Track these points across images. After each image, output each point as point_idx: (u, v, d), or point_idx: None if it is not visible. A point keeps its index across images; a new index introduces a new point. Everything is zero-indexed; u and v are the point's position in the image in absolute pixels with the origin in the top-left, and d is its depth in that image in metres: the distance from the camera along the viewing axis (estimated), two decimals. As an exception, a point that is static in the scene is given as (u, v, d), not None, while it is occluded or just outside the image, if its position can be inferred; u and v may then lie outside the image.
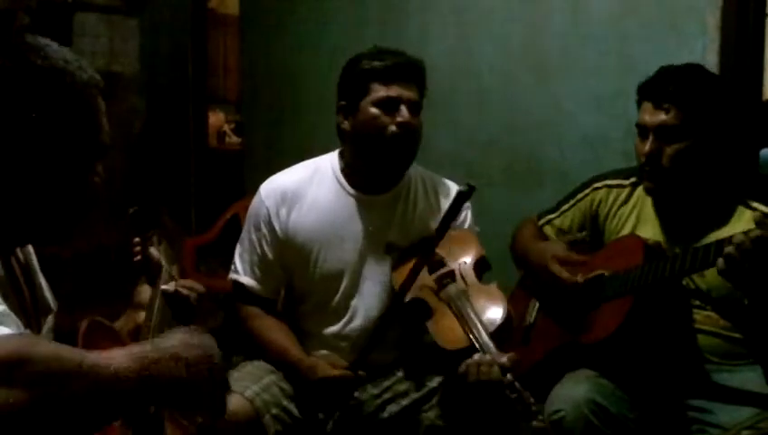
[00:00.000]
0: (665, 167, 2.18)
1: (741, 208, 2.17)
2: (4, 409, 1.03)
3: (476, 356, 1.95)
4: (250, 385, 2.10)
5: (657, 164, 2.19)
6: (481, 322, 2.03)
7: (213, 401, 1.26)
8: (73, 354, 1.12)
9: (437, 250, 2.20)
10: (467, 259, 2.22)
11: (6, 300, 1.24)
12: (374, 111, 2.18)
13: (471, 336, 2.00)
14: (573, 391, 2.12)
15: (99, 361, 1.13)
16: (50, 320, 1.52)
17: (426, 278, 2.18)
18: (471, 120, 3.34)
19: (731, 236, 1.90)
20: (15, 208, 1.34)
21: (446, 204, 2.32)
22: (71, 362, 1.10)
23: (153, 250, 1.82)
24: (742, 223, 2.10)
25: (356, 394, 2.18)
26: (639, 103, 2.25)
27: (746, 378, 2.13)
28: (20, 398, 1.04)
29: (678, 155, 2.16)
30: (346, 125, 2.24)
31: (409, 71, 2.22)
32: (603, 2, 3.03)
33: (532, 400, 1.87)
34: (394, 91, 2.18)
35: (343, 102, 2.25)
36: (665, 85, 2.18)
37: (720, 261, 1.89)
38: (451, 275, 2.18)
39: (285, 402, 2.13)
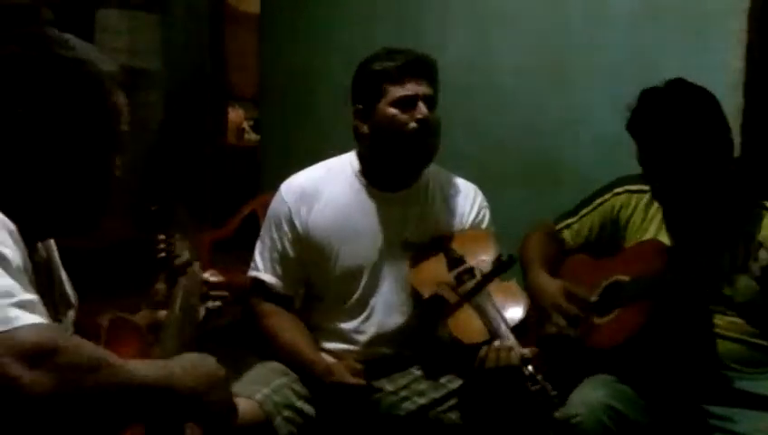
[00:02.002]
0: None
1: (764, 213, 2.16)
2: (29, 391, 1.07)
3: (497, 343, 1.95)
4: (260, 388, 2.10)
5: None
6: (501, 316, 2.04)
7: (222, 415, 1.33)
8: (99, 352, 1.16)
9: (456, 248, 2.21)
10: (486, 257, 2.22)
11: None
12: (392, 111, 2.19)
13: (491, 329, 2.00)
14: (591, 396, 2.11)
15: (122, 363, 1.17)
16: (71, 314, 1.53)
17: (445, 275, 2.19)
18: (487, 120, 3.33)
19: (759, 243, 1.89)
20: (37, 200, 1.35)
21: (462, 203, 2.34)
22: (96, 358, 1.14)
23: (179, 248, 1.82)
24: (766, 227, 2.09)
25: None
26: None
27: (769, 385, 2.12)
28: (46, 384, 1.07)
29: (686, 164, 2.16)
30: (365, 129, 2.25)
31: (421, 67, 2.24)
32: (623, 3, 3.02)
33: (554, 392, 1.88)
34: (409, 89, 2.19)
35: (359, 106, 2.26)
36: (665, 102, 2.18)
37: (755, 267, 1.88)
38: (470, 272, 2.19)
39: (299, 404, 2.14)
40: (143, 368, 1.20)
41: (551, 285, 2.29)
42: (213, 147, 4.73)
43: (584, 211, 2.45)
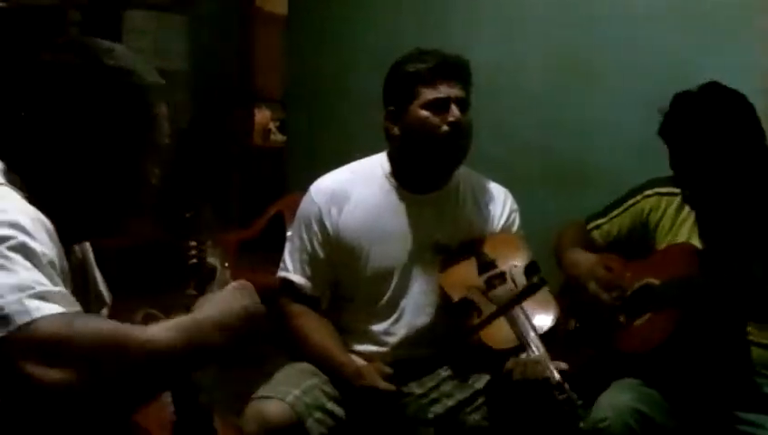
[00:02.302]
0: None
1: None
2: (54, 388, 1.07)
3: (523, 355, 1.95)
4: (291, 390, 2.10)
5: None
6: (531, 323, 2.03)
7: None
8: (116, 328, 1.16)
9: (487, 252, 2.20)
10: (517, 262, 2.21)
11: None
12: (424, 113, 2.18)
13: (520, 336, 1.99)
14: (618, 400, 2.09)
15: (141, 334, 1.16)
16: (104, 313, 1.54)
17: (475, 279, 2.18)
18: (514, 121, 3.31)
19: None
20: (77, 204, 1.37)
21: (493, 206, 2.33)
22: (113, 337, 1.13)
23: (210, 255, 1.82)
24: None
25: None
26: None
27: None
28: (67, 377, 1.07)
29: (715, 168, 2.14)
30: (396, 130, 2.24)
31: (454, 69, 2.22)
32: (651, 3, 2.99)
33: (579, 402, 1.87)
34: (442, 91, 2.18)
35: (392, 108, 2.25)
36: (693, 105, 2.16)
37: None
38: (501, 277, 2.17)
39: (329, 405, 2.13)
40: (167, 335, 1.18)
41: (589, 258, 2.30)
42: (239, 148, 4.75)
43: (614, 213, 2.43)
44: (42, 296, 1.12)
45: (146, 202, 1.45)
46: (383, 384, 2.09)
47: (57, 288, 1.16)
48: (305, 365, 2.21)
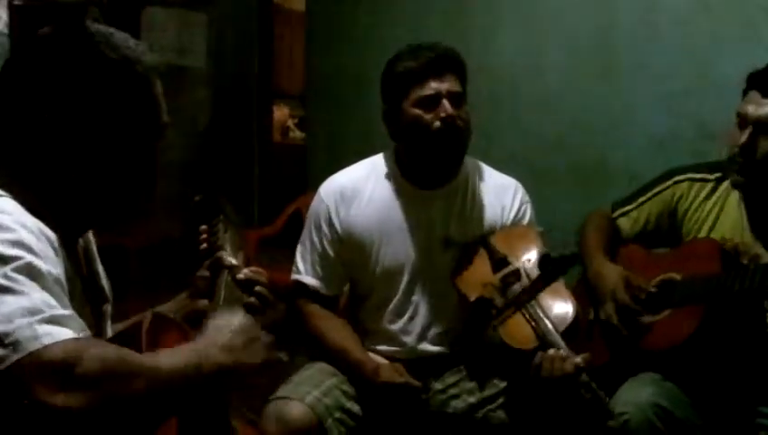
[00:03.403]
0: (757, 161, 2.10)
1: None
2: (65, 411, 1.07)
3: (551, 351, 1.93)
4: (311, 390, 2.10)
5: (750, 157, 2.11)
6: (550, 320, 2.01)
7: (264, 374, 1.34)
8: (124, 355, 1.16)
9: (500, 248, 2.18)
10: (531, 257, 2.19)
11: (73, 292, 1.26)
12: (416, 111, 2.16)
13: (540, 335, 1.98)
14: (638, 395, 2.08)
15: (151, 360, 1.18)
16: (108, 309, 1.53)
17: (490, 277, 2.16)
18: (537, 119, 3.30)
19: None
20: (82, 192, 1.36)
21: (503, 198, 2.31)
22: (121, 364, 1.14)
23: (222, 240, 1.81)
24: None
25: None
26: (746, 92, 2.17)
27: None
28: (78, 401, 1.08)
29: None
30: (393, 129, 2.24)
31: (445, 63, 2.20)
32: (674, 1, 2.97)
33: (607, 399, 1.85)
34: (431, 87, 2.16)
35: (386, 107, 2.25)
36: None
37: None
38: (516, 275, 2.15)
39: (348, 404, 2.13)
40: (173, 361, 1.20)
41: (612, 273, 2.24)
42: (259, 144, 4.75)
43: (642, 199, 2.38)
44: (52, 320, 1.12)
45: (153, 182, 1.43)
46: (401, 378, 2.09)
47: (67, 311, 1.16)
48: (324, 365, 2.21)
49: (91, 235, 1.53)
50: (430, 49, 2.20)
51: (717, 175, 2.26)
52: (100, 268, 1.56)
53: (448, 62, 2.21)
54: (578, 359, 1.89)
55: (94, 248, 1.54)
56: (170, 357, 1.21)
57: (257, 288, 1.71)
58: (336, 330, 2.24)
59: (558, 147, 3.24)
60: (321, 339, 2.23)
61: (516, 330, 2.04)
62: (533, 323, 2.01)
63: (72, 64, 1.33)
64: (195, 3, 4.53)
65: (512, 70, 3.27)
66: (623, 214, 2.40)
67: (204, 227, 1.82)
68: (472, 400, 2.18)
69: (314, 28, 4.20)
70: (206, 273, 1.73)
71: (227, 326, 1.33)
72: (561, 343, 1.95)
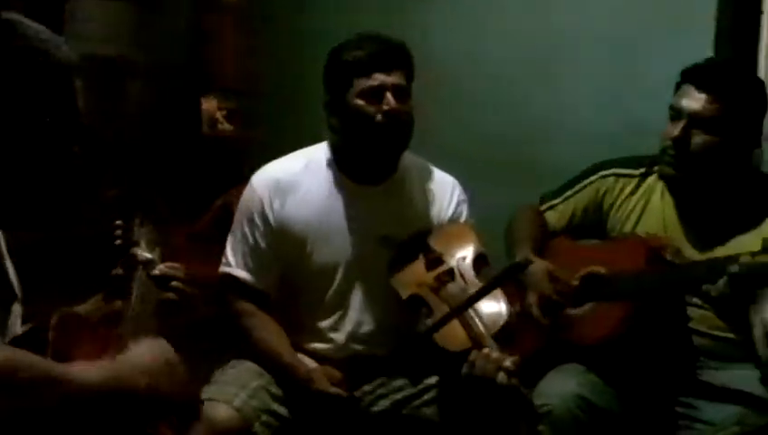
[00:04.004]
0: (690, 155, 2.13)
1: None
2: None
3: (486, 350, 1.93)
4: (238, 392, 2.07)
5: (682, 151, 2.14)
6: (483, 323, 2.01)
7: (182, 407, 1.33)
8: (40, 366, 1.16)
9: (435, 247, 2.18)
10: (466, 255, 2.19)
11: None
12: (359, 102, 2.16)
13: (473, 337, 1.98)
14: (561, 386, 2.11)
15: (65, 373, 1.17)
16: (17, 308, 1.49)
17: (424, 275, 2.16)
18: (474, 115, 3.32)
19: (737, 255, 1.88)
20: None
21: (440, 196, 2.31)
22: (36, 373, 1.13)
23: (137, 235, 1.76)
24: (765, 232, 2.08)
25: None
26: (679, 86, 2.20)
27: (735, 377, 2.13)
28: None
29: (707, 147, 2.12)
30: (334, 121, 2.21)
31: (391, 57, 2.20)
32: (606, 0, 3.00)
33: (535, 403, 1.87)
34: (376, 79, 2.16)
35: (329, 97, 2.22)
36: (712, 74, 2.13)
37: (722, 282, 1.86)
38: (450, 274, 2.16)
39: (275, 406, 2.11)
40: (87, 375, 1.19)
41: (536, 265, 2.27)
42: (188, 137, 4.68)
43: (569, 193, 2.42)
44: None
45: (70, 185, 1.39)
46: (333, 389, 2.07)
47: None
48: (250, 364, 2.18)
49: None
50: (378, 41, 2.20)
51: (642, 170, 2.31)
52: (10, 266, 1.51)
53: (396, 56, 2.20)
54: (508, 362, 1.89)
55: (2, 246, 1.49)
56: (89, 372, 1.20)
57: (173, 283, 1.68)
58: (267, 331, 2.21)
59: (495, 143, 3.26)
60: (252, 340, 2.20)
61: (449, 332, 2.05)
62: (466, 325, 2.01)
63: None
64: (122, -8, 4.44)
65: (450, 67, 3.28)
66: (550, 207, 2.44)
67: (119, 222, 1.77)
68: (397, 397, 2.17)
69: (251, 20, 4.15)
70: (121, 271, 1.69)
71: (151, 351, 1.32)
72: (494, 344, 1.95)
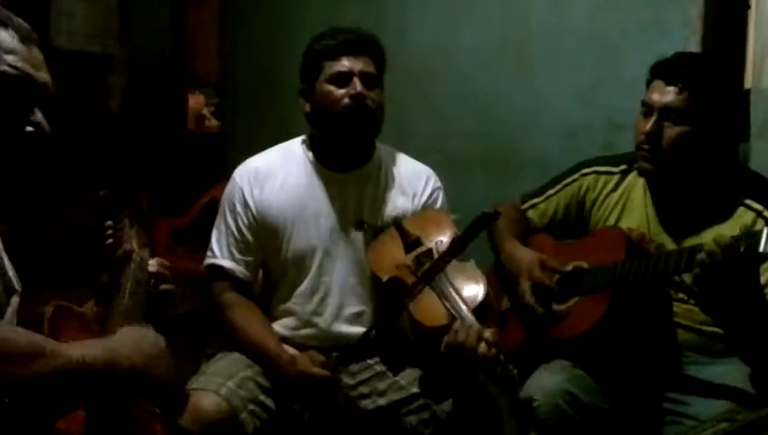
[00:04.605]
0: (664, 149, 2.15)
1: (742, 209, 2.15)
2: None
3: (457, 324, 1.96)
4: (225, 382, 2.07)
5: (656, 145, 2.16)
6: (462, 298, 2.03)
7: (169, 392, 1.34)
8: (35, 339, 1.16)
9: (413, 230, 2.21)
10: (443, 238, 2.22)
11: None
12: (328, 87, 2.20)
13: (452, 312, 2.00)
14: (547, 382, 2.12)
15: (58, 347, 1.18)
16: (14, 301, 1.49)
17: (402, 257, 2.18)
18: (451, 107, 3.33)
19: (701, 244, 1.90)
20: None
21: (415, 184, 2.35)
22: (31, 346, 1.14)
23: (127, 235, 1.78)
24: (741, 223, 2.09)
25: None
26: (650, 82, 2.23)
27: (722, 372, 2.13)
28: None
29: (679, 138, 2.13)
30: (307, 108, 2.27)
31: (360, 44, 2.24)
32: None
33: (515, 372, 1.88)
34: (344, 65, 2.19)
35: (303, 86, 2.27)
36: (680, 67, 2.16)
37: (697, 269, 1.88)
38: (428, 255, 2.18)
39: (262, 397, 2.11)
40: (80, 349, 1.19)
41: (527, 255, 2.30)
42: (173, 132, 4.68)
43: (551, 191, 2.44)
44: None
45: (27, 157, 1.35)
46: (318, 371, 2.08)
47: None
48: (237, 355, 2.19)
49: None
50: (349, 31, 2.26)
51: (623, 167, 2.33)
52: (6, 260, 1.51)
53: (365, 45, 2.24)
54: (487, 333, 1.92)
55: None
56: (79, 347, 1.21)
57: (163, 286, 1.70)
58: (251, 321, 2.22)
59: (472, 136, 3.27)
60: (237, 331, 2.21)
61: (428, 308, 2.06)
62: (445, 301, 2.03)
63: None
64: (107, -12, 4.44)
65: (427, 60, 3.29)
66: (532, 206, 2.46)
67: (109, 222, 1.79)
68: (382, 402, 2.18)
69: (229, 14, 4.15)
70: (106, 277, 1.71)
71: (141, 335, 1.33)
72: (472, 318, 1.98)
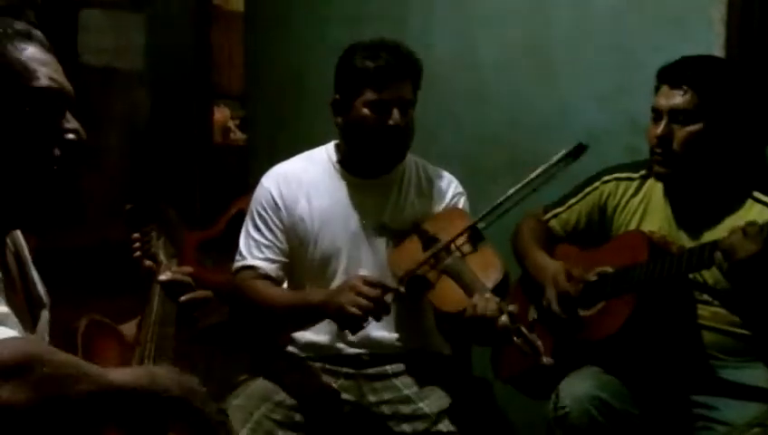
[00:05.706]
0: (675, 151, 2.17)
1: (750, 202, 2.16)
2: (11, 405, 1.06)
3: (487, 294, 1.98)
4: (240, 429, 2.09)
5: (667, 148, 2.18)
6: (480, 278, 2.05)
7: (212, 418, 1.31)
8: (76, 362, 1.16)
9: (429, 228, 2.23)
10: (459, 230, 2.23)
11: (6, 298, 1.24)
12: (365, 111, 2.21)
13: (467, 289, 2.01)
14: (577, 388, 2.12)
15: (100, 371, 1.17)
16: (45, 314, 1.50)
17: (421, 255, 2.19)
18: (473, 115, 3.33)
19: (719, 240, 1.91)
20: None
21: (437, 190, 2.37)
22: (73, 368, 1.13)
23: (155, 247, 1.80)
24: (751, 216, 2.10)
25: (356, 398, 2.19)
26: (657, 88, 2.24)
27: (752, 375, 2.13)
28: (23, 396, 1.07)
29: (690, 139, 2.15)
30: (339, 121, 2.28)
31: (402, 69, 2.24)
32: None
33: (539, 342, 1.88)
34: (386, 95, 2.20)
35: (337, 97, 2.28)
36: (683, 69, 2.18)
37: (719, 265, 1.90)
38: (446, 249, 2.19)
39: (280, 433, 2.14)
40: (122, 375, 1.19)
41: (552, 264, 2.32)
42: (200, 146, 4.71)
43: (572, 201, 2.45)
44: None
45: (65, 164, 1.35)
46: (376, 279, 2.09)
47: (3, 308, 1.15)
48: (254, 389, 2.20)
49: (21, 239, 1.49)
50: (390, 51, 2.22)
51: (642, 173, 2.34)
52: (35, 273, 1.52)
53: (405, 69, 2.25)
54: (511, 307, 1.94)
55: (26, 252, 1.50)
56: (121, 372, 1.21)
57: (188, 291, 1.71)
58: (283, 292, 2.25)
59: (495, 143, 3.26)
60: (272, 304, 2.24)
61: (448, 294, 2.09)
62: (462, 284, 2.05)
63: None
64: (132, 4, 4.47)
65: (448, 66, 3.29)
66: (554, 216, 2.47)
67: (136, 235, 1.81)
68: (406, 429, 2.19)
69: (253, 27, 4.18)
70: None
71: (175, 370, 1.32)
72: (491, 293, 2.00)
